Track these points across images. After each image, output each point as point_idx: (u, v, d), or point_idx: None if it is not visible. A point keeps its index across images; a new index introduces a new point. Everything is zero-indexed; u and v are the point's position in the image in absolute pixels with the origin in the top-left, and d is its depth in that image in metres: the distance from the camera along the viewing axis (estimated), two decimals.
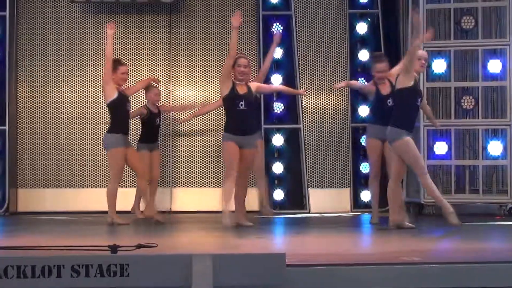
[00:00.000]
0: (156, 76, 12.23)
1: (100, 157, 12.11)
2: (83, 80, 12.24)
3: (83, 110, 12.34)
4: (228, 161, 9.01)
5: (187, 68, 12.49)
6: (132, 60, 12.53)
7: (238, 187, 8.96)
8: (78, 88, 12.33)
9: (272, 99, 11.36)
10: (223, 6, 12.47)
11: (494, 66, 10.81)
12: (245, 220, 9.07)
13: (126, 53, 12.56)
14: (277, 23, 11.99)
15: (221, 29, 12.44)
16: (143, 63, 12.60)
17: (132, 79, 12.27)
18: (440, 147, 10.93)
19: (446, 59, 10.67)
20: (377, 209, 9.71)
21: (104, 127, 11.70)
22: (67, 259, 4.75)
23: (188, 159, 12.08)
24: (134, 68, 12.50)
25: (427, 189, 8.82)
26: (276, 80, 11.81)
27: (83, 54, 12.36)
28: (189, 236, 8.25)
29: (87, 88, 12.40)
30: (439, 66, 10.44)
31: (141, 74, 12.45)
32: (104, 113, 11.43)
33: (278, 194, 11.79)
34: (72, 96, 12.37)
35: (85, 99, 12.37)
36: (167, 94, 12.30)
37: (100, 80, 11.32)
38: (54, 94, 12.39)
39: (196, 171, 12.13)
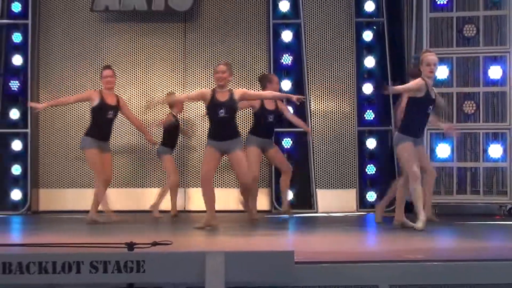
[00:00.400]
0: (170, 81, 12.47)
1: (117, 158, 12.05)
2: (100, 85, 12.34)
3: None
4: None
5: (201, 73, 12.40)
6: (148, 65, 12.61)
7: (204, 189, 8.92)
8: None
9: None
10: (234, 14, 12.48)
11: (495, 72, 10.87)
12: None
13: (142, 59, 12.63)
14: (287, 31, 12.01)
15: (232, 36, 12.49)
16: (158, 69, 12.61)
17: (148, 84, 12.51)
18: (443, 150, 10.97)
19: (449, 66, 10.71)
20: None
21: (120, 130, 11.87)
22: (86, 255, 4.81)
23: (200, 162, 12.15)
24: (150, 73, 12.58)
25: (412, 194, 8.51)
26: (286, 85, 11.82)
27: (101, 60, 12.24)
28: (202, 234, 8.23)
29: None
30: (441, 72, 10.42)
31: (156, 80, 12.53)
32: (120, 116, 11.45)
33: (288, 194, 11.69)
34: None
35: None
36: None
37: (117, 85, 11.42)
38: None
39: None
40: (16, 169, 11.88)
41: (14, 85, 12.05)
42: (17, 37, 12.11)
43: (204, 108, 9.21)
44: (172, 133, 11.05)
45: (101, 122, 9.86)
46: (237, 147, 8.70)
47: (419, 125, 8.63)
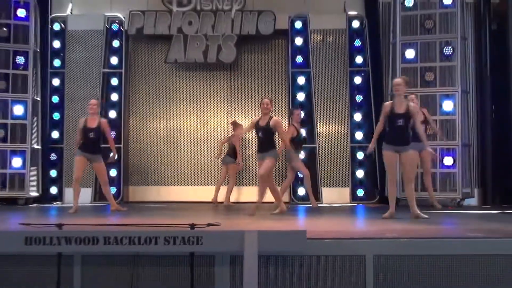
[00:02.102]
0: (219, 111, 12.53)
1: (182, 164, 12.27)
2: (171, 114, 12.39)
3: (170, 133, 12.46)
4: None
5: (242, 106, 12.46)
6: (203, 100, 12.62)
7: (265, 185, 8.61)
8: (168, 119, 12.46)
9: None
10: (264, 65, 12.53)
11: (447, 105, 10.80)
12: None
13: (199, 96, 12.64)
14: (301, 76, 12.00)
15: (263, 79, 12.50)
16: (211, 103, 12.63)
17: (203, 113, 12.53)
18: None
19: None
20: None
21: (182, 146, 11.94)
22: (161, 233, 4.85)
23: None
24: (205, 106, 12.59)
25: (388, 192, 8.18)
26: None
27: (172, 96, 12.46)
28: (243, 219, 7.99)
29: (174, 118, 12.50)
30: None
31: (209, 110, 12.57)
32: (178, 135, 11.48)
33: (302, 191, 11.61)
34: (164, 124, 12.51)
35: (174, 126, 12.47)
36: (226, 129, 12.26)
37: (179, 114, 11.55)
38: (153, 123, 12.50)
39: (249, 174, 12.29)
40: (112, 172, 11.87)
41: (113, 114, 12.13)
42: (114, 81, 12.22)
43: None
44: (234, 149, 11.04)
45: (86, 140, 9.15)
46: (267, 157, 8.34)
47: (394, 136, 7.76)
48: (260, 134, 8.45)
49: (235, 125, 11.22)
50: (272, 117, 8.44)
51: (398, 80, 8.03)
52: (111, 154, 9.48)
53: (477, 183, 11.47)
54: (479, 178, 11.53)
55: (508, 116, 10.72)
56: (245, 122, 11.45)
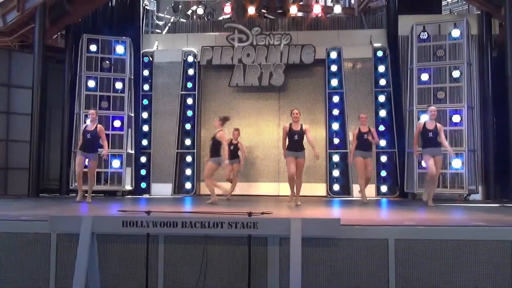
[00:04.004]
0: (270, 126, 12.47)
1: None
2: (233, 126, 12.39)
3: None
4: (287, 166, 8.55)
5: (289, 122, 12.06)
6: (258, 116, 12.60)
7: (295, 181, 8.52)
8: (231, 129, 12.54)
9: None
10: (306, 87, 12.44)
11: (456, 118, 10.56)
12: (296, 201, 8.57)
13: (255, 112, 12.62)
14: (336, 96, 11.86)
15: (306, 99, 12.38)
16: (264, 118, 12.60)
17: (258, 127, 12.47)
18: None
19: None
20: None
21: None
22: (226, 218, 4.89)
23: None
24: (259, 121, 12.57)
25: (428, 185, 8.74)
26: (335, 127, 11.75)
27: (233, 112, 12.33)
28: (289, 209, 7.85)
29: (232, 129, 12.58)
30: (424, 118, 10.15)
31: (262, 124, 12.52)
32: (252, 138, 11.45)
33: (337, 186, 11.54)
34: (227, 134, 12.36)
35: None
36: (276, 137, 12.18)
37: (239, 126, 11.40)
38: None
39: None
40: (187, 171, 12.06)
41: (188, 126, 12.23)
42: (189, 100, 12.29)
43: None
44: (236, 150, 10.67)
45: (84, 140, 8.98)
46: (301, 157, 8.42)
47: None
48: (296, 137, 8.41)
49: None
50: (301, 124, 8.52)
51: (434, 107, 8.81)
52: (103, 152, 9.25)
53: (481, 182, 11.16)
54: (483, 177, 11.22)
55: (507, 127, 10.41)
56: None
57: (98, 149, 9.36)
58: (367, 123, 9.75)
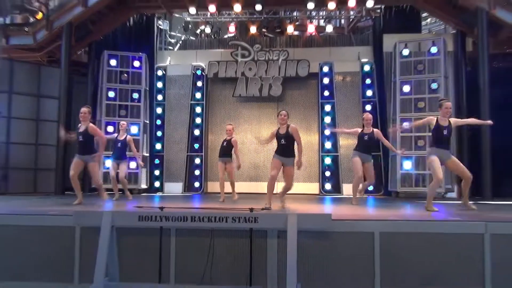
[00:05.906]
0: (268, 133, 11.52)
1: (243, 166, 11.93)
2: (236, 131, 12.14)
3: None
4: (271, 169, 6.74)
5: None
6: (257, 123, 12.54)
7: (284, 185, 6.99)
8: (235, 134, 12.50)
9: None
10: (301, 97, 12.31)
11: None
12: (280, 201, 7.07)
13: (255, 120, 12.55)
14: (328, 105, 11.88)
15: (301, 107, 12.37)
16: (265, 124, 12.49)
17: (256, 134, 12.19)
18: (407, 164, 10.69)
19: (410, 122, 10.35)
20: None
21: (244, 153, 11.92)
22: (231, 214, 4.84)
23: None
24: (259, 126, 12.46)
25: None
26: (327, 132, 11.65)
27: (237, 119, 12.41)
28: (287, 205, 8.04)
29: (238, 134, 11.94)
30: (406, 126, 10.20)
31: (261, 131, 12.36)
32: (241, 146, 11.25)
33: (329, 186, 11.49)
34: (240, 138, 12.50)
35: (238, 140, 12.02)
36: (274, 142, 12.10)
37: (241, 131, 11.46)
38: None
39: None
40: (196, 172, 12.02)
41: (196, 132, 12.25)
42: (198, 109, 12.32)
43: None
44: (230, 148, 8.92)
45: (78, 142, 7.33)
46: (289, 164, 6.77)
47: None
48: (282, 141, 6.75)
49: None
50: (289, 125, 6.78)
51: (450, 103, 6.90)
52: (138, 161, 8.99)
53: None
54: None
55: (479, 134, 10.38)
56: None
57: (127, 155, 8.64)
58: (370, 124, 8.02)
